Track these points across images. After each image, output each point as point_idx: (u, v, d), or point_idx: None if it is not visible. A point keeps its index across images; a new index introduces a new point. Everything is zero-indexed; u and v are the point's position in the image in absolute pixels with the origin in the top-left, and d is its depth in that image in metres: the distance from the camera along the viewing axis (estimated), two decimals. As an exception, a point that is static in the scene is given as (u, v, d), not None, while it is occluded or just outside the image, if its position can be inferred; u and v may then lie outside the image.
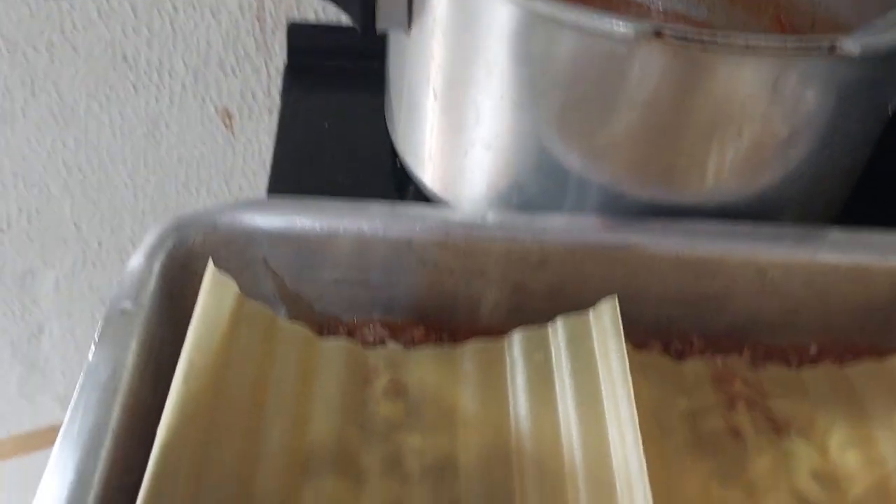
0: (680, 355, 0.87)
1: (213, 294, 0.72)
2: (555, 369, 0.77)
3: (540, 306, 0.86)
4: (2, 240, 1.52)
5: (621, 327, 0.75)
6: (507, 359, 0.80)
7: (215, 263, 0.77)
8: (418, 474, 0.73)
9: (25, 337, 1.63)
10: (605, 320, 0.77)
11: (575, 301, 0.85)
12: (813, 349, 0.90)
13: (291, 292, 0.84)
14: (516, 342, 0.81)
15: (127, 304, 0.70)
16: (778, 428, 0.80)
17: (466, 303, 0.86)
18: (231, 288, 0.75)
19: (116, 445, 0.63)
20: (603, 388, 0.74)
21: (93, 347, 0.67)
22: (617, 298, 0.77)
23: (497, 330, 0.85)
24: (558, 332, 0.79)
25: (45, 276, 1.56)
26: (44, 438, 1.61)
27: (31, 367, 1.65)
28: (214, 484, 0.65)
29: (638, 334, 0.85)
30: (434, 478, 0.72)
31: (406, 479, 0.72)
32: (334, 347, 0.81)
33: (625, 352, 0.74)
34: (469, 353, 0.81)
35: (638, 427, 0.69)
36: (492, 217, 0.82)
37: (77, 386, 0.64)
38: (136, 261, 0.74)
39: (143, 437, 0.65)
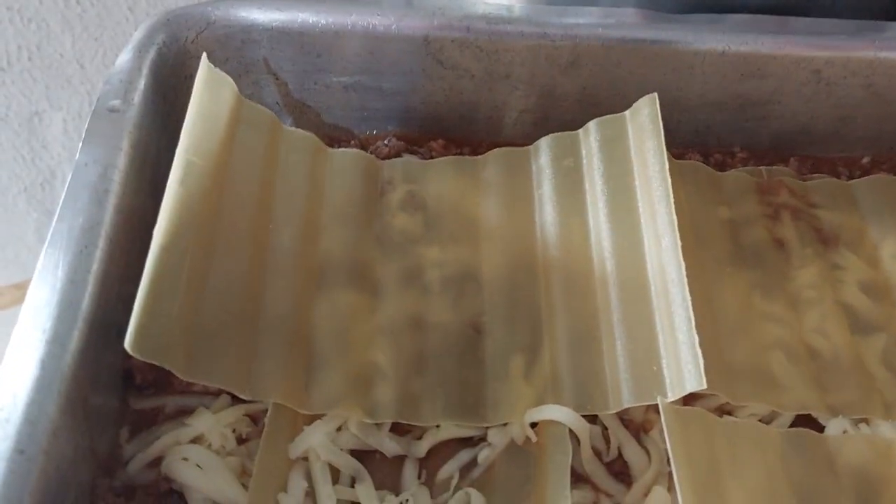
0: (721, 167, 0.80)
1: (209, 92, 0.66)
2: (585, 175, 0.71)
3: (569, 116, 0.79)
4: (4, 80, 1.46)
5: (661, 125, 0.68)
6: (533, 166, 0.74)
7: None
8: (438, 286, 0.68)
9: (38, 183, 1.59)
10: (643, 118, 0.70)
11: (608, 108, 0.78)
12: (865, 160, 0.82)
13: (297, 100, 0.77)
14: (543, 148, 0.74)
15: (116, 103, 0.64)
16: (825, 239, 0.74)
17: (489, 111, 0.79)
18: (228, 86, 0.68)
19: (111, 249, 0.58)
20: (638, 192, 0.68)
21: (80, 146, 0.61)
22: (656, 97, 0.70)
23: (521, 143, 0.79)
24: (591, 134, 0.73)
25: (53, 118, 1.50)
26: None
27: (46, 213, 1.62)
28: (219, 293, 0.61)
29: (676, 145, 0.78)
30: (455, 289, 0.68)
31: (425, 291, 0.68)
32: (346, 156, 0.75)
33: (664, 150, 0.67)
34: (491, 161, 0.75)
35: (677, 231, 0.63)
36: (518, 10, 0.74)
37: (65, 187, 0.59)
38: (124, 57, 0.67)
39: (140, 244, 0.60)
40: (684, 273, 0.61)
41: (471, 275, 0.69)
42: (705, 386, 0.56)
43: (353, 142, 0.80)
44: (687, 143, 0.81)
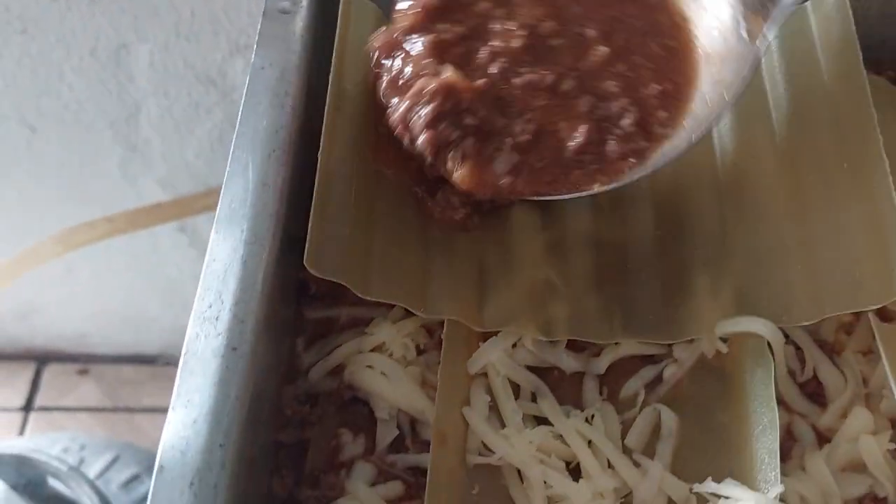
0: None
1: (353, 19, 0.64)
2: (765, 75, 0.64)
3: None
4: (94, 10, 1.44)
5: (850, 12, 0.63)
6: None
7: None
8: (608, 203, 0.65)
9: (124, 117, 1.58)
10: (828, 6, 0.64)
11: None
12: None
13: None
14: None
15: (285, 4, 0.61)
16: None
17: None
18: (372, 11, 0.66)
19: (295, 153, 0.56)
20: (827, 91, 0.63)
21: (255, 48, 0.59)
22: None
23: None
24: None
25: (140, 50, 1.48)
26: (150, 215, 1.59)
27: (131, 147, 1.60)
28: (388, 215, 0.59)
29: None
30: (626, 205, 0.65)
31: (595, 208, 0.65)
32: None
33: (856, 40, 0.62)
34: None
35: (876, 123, 0.60)
36: None
37: (245, 90, 0.57)
38: (287, -46, 0.64)
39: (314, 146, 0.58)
40: (887, 167, 0.57)
41: (642, 187, 0.66)
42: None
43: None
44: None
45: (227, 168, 0.53)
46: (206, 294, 0.48)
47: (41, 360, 1.78)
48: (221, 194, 0.52)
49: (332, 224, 0.53)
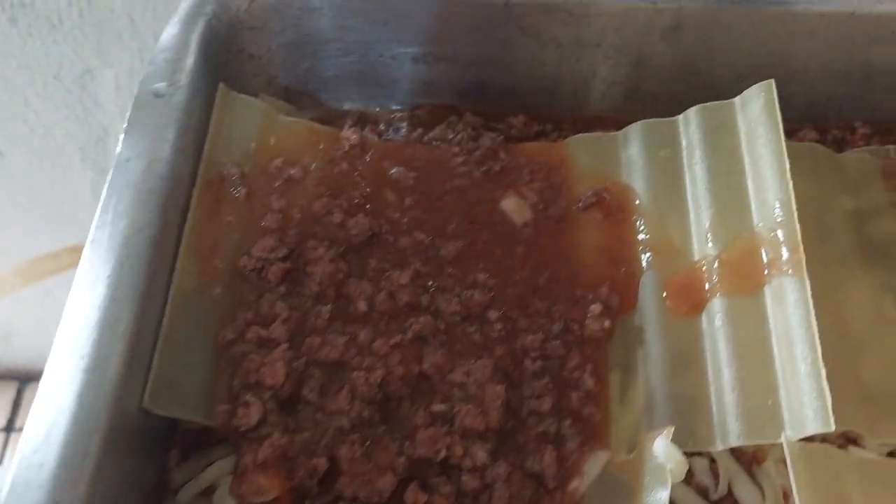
0: (839, 145, 0.70)
1: (230, 115, 0.61)
2: (685, 168, 0.62)
3: (666, 88, 0.69)
4: (56, 37, 1.40)
5: (779, 117, 0.58)
6: (622, 156, 0.65)
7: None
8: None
9: (93, 141, 1.55)
10: (754, 108, 0.60)
11: (711, 80, 0.68)
12: None
13: (361, 72, 0.69)
14: (634, 136, 0.65)
15: (161, 86, 0.56)
16: (967, 232, 0.64)
17: (574, 84, 0.70)
18: (252, 106, 0.63)
19: (156, 259, 0.52)
20: (751, 190, 0.59)
21: (121, 137, 0.54)
22: (774, 84, 0.60)
23: (610, 121, 0.70)
24: (691, 124, 0.63)
25: (105, 75, 1.44)
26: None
27: (101, 171, 1.58)
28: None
29: (787, 119, 0.67)
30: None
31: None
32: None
33: (784, 149, 0.57)
34: (573, 148, 0.66)
35: (800, 240, 0.54)
36: (612, -32, 0.64)
37: (105, 185, 0.52)
38: (170, 33, 0.60)
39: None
40: (808, 289, 0.52)
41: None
42: (833, 429, 0.48)
43: (420, 113, 0.72)
44: (800, 117, 0.70)
45: (74, 284, 0.49)
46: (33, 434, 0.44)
47: (23, 380, 1.77)
48: (65, 316, 0.47)
49: (177, 360, 0.52)
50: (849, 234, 0.63)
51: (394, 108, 0.71)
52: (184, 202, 0.56)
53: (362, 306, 0.57)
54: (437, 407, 0.54)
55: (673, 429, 0.51)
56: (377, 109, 0.72)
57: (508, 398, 0.54)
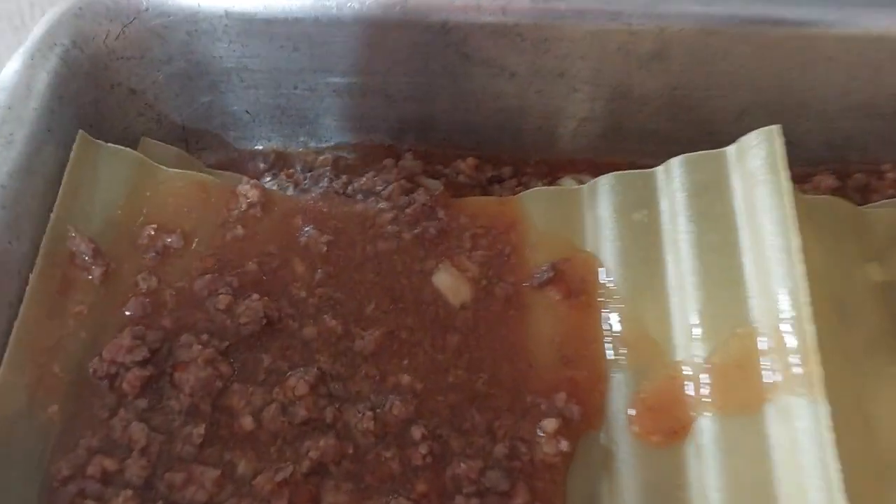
0: (864, 193, 0.57)
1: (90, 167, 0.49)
2: (665, 237, 0.48)
3: (651, 125, 0.56)
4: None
5: (786, 174, 0.45)
6: (587, 218, 0.51)
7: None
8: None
9: None
10: (753, 161, 0.46)
11: (704, 117, 0.55)
12: None
13: (273, 107, 0.56)
14: (603, 191, 0.51)
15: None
16: None
17: (537, 119, 0.57)
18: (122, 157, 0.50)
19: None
20: (748, 265, 0.45)
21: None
22: (777, 131, 0.46)
23: (584, 163, 0.57)
24: (673, 177, 0.49)
25: None
26: None
27: None
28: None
29: (801, 162, 0.54)
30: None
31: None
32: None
33: (792, 211, 0.44)
34: (527, 204, 0.53)
35: (813, 337, 0.41)
36: (579, -19, 0.51)
37: None
38: (9, 69, 0.47)
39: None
40: (826, 416, 0.39)
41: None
42: None
43: (348, 156, 0.59)
44: (815, 159, 0.58)
45: None
46: None
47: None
48: None
49: None
50: (877, 314, 0.49)
51: (319, 146, 0.58)
52: (13, 295, 0.43)
53: (247, 423, 0.44)
54: (336, 565, 0.41)
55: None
56: (298, 149, 0.59)
57: (431, 550, 0.42)
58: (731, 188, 0.47)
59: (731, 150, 0.48)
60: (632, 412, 0.45)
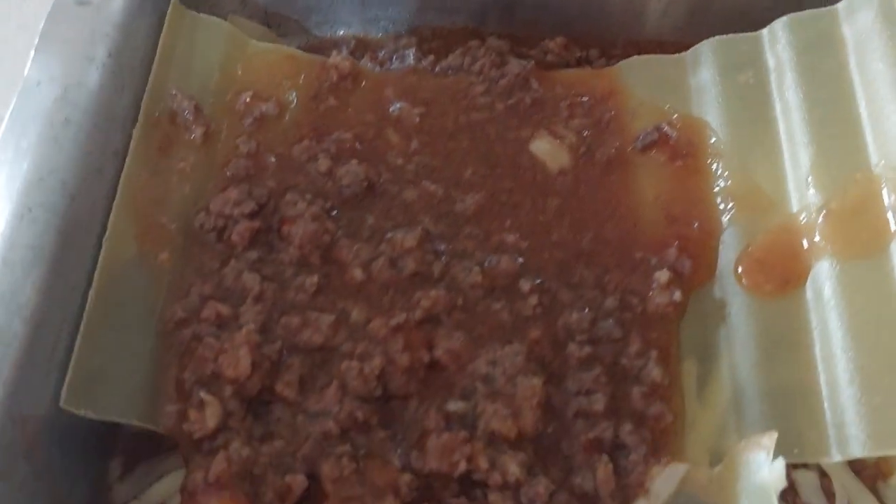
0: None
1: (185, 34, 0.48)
2: (775, 97, 0.47)
3: (732, 6, 0.55)
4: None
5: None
6: (691, 82, 0.50)
7: None
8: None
9: None
10: (866, 15, 0.45)
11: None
12: None
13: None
14: (706, 55, 0.50)
15: (87, -10, 0.43)
16: None
17: (622, 2, 0.56)
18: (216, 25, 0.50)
19: (68, 211, 0.39)
20: (864, 114, 0.45)
21: (32, 54, 0.41)
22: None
23: (672, 45, 0.56)
24: (779, 38, 0.49)
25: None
26: None
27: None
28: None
29: None
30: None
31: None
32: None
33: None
34: (625, 74, 0.52)
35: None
36: None
37: (9, 111, 0.39)
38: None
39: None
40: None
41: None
42: None
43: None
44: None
45: None
46: None
47: None
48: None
49: (107, 346, 0.40)
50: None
51: (399, 31, 0.58)
52: (119, 144, 0.43)
53: (358, 275, 0.44)
54: (455, 406, 0.41)
55: (776, 435, 0.37)
56: (379, 35, 0.58)
57: (548, 395, 0.41)
58: (843, 42, 0.47)
59: (840, 6, 0.48)
60: (742, 266, 0.44)
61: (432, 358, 0.42)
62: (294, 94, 0.50)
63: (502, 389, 0.41)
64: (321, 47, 0.58)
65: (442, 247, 0.45)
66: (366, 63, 0.56)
